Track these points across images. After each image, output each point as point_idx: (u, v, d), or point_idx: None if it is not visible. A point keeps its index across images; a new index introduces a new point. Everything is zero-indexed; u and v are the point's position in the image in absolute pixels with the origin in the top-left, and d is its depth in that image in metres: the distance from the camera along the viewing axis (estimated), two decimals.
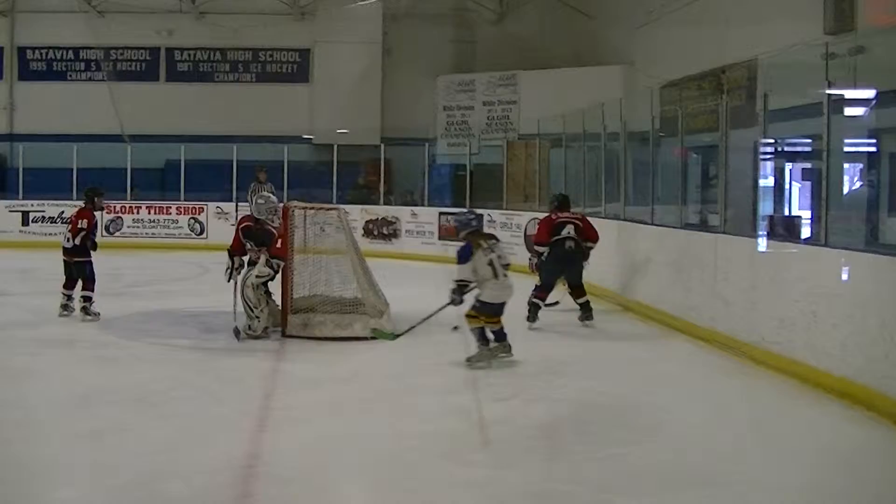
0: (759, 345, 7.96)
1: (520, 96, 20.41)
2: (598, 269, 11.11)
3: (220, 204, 19.07)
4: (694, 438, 5.97)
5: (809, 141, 11.61)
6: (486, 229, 15.82)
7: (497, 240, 8.15)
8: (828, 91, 7.48)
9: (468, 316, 7.88)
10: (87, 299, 9.86)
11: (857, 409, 6.43)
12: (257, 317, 8.90)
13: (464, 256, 7.78)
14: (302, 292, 9.55)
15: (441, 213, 17.64)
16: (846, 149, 10.76)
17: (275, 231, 9.09)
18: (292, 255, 9.38)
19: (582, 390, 7.24)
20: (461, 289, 7.79)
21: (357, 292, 9.47)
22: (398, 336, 8.65)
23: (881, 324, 6.30)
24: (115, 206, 18.62)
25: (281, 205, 9.55)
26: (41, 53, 22.09)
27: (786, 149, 12.45)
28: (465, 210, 8.68)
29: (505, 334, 7.93)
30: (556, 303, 10.47)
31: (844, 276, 6.91)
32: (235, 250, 9.11)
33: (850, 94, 9.32)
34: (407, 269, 15.55)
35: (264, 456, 5.42)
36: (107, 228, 18.40)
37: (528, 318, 9.94)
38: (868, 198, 11.09)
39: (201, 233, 19.28)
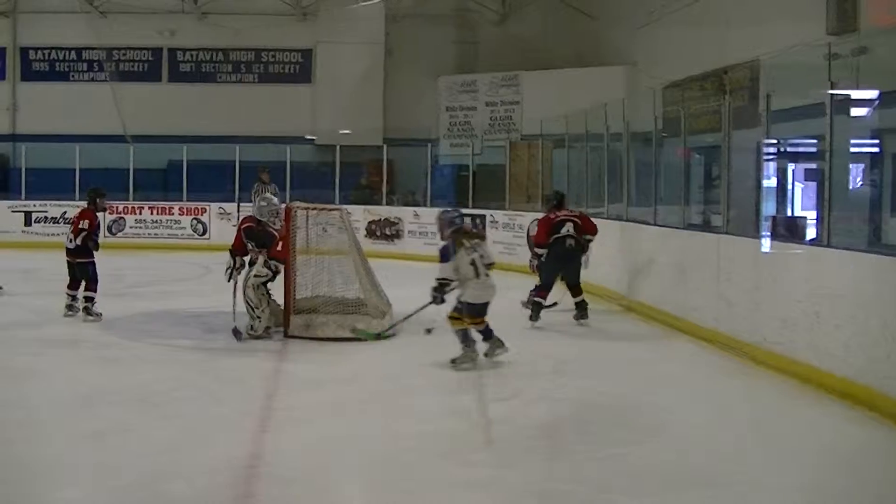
0: (761, 345, 7.95)
1: (522, 97, 20.42)
2: (600, 269, 11.11)
3: (222, 204, 19.08)
4: (695, 439, 5.96)
5: (814, 142, 11.60)
6: (488, 230, 16.08)
7: (482, 239, 8.12)
8: (830, 91, 7.48)
9: (451, 317, 7.83)
10: (90, 300, 9.87)
11: (858, 409, 6.42)
12: (258, 317, 8.91)
13: (446, 255, 7.76)
14: (304, 293, 9.56)
15: None
16: (850, 149, 10.76)
17: (276, 233, 9.11)
18: (295, 256, 9.38)
19: (583, 390, 7.24)
20: (442, 287, 7.76)
21: (359, 293, 9.48)
22: (380, 336, 8.67)
23: (883, 324, 6.29)
24: (117, 207, 18.65)
25: (283, 206, 9.56)
26: (44, 54, 22.12)
27: (788, 149, 12.45)
28: (449, 209, 8.66)
29: (491, 331, 7.86)
30: (555, 304, 10.46)
31: (847, 277, 6.90)
32: (237, 250, 9.13)
33: (853, 94, 9.32)
34: (409, 269, 15.50)
35: (266, 456, 5.43)
36: (109, 229, 18.41)
37: (531, 318, 9.94)
38: (871, 198, 11.09)
39: (204, 233, 19.30)
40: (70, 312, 9.99)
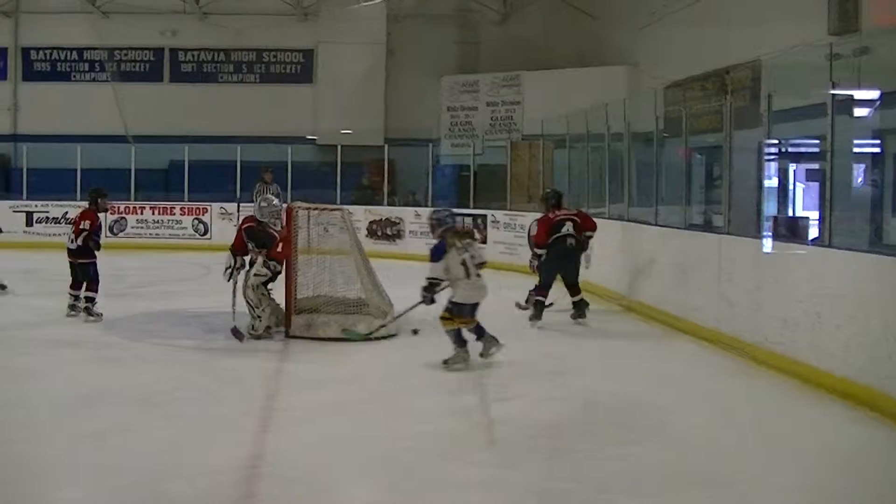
0: (762, 345, 7.95)
1: (523, 97, 20.41)
2: (601, 269, 11.12)
3: (223, 204, 19.08)
4: (696, 439, 5.96)
5: (815, 142, 11.60)
6: (489, 230, 16.09)
7: (473, 239, 8.12)
8: (832, 92, 7.47)
9: (442, 318, 7.80)
10: (90, 300, 9.88)
11: (859, 409, 6.42)
12: (258, 316, 8.91)
13: (437, 254, 7.75)
14: (306, 293, 9.56)
15: None
16: (851, 150, 10.75)
17: (276, 234, 9.12)
18: (296, 256, 9.39)
19: (584, 390, 7.24)
20: (432, 287, 7.75)
21: (361, 293, 9.48)
22: (368, 336, 8.70)
23: (884, 325, 6.29)
24: (119, 207, 18.66)
25: (284, 206, 9.56)
26: (45, 54, 22.15)
27: (790, 149, 12.45)
28: (440, 208, 8.68)
29: (483, 329, 7.84)
30: (551, 304, 10.44)
31: (849, 277, 6.90)
32: (237, 249, 9.13)
33: (854, 94, 9.31)
34: (410, 269, 15.44)
35: (268, 456, 5.43)
36: (111, 229, 18.41)
37: (532, 318, 9.94)
38: (872, 198, 11.08)
39: (205, 233, 19.31)
40: (73, 312, 9.99)
